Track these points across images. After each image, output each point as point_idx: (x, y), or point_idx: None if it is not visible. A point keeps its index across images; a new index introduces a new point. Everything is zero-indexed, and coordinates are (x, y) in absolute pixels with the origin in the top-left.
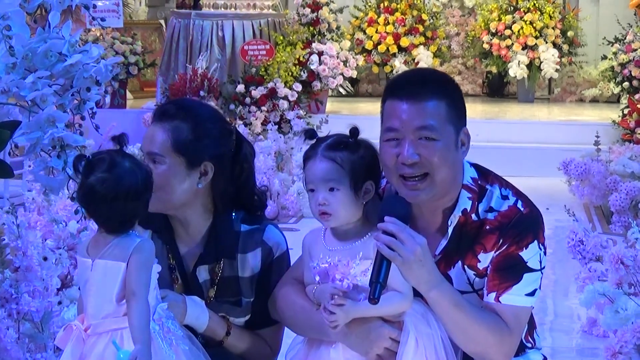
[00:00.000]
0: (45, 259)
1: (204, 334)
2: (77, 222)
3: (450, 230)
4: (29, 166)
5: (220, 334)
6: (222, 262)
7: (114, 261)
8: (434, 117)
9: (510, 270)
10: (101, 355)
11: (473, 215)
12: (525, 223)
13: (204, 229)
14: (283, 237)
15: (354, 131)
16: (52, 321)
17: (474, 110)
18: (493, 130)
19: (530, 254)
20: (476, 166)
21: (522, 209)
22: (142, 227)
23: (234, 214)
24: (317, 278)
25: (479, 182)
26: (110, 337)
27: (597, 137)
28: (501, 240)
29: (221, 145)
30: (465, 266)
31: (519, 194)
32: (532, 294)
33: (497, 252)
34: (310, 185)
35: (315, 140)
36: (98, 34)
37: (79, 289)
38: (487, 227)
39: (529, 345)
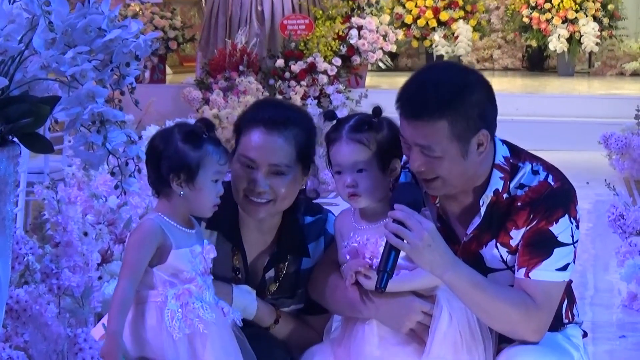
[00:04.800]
0: (85, 234)
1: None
2: (117, 197)
3: (482, 209)
4: (69, 141)
5: (268, 322)
6: (288, 259)
7: None
8: (433, 138)
9: (541, 246)
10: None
11: (504, 194)
12: (555, 197)
13: (275, 228)
14: None
15: (377, 110)
16: (92, 296)
17: (514, 84)
18: (533, 104)
19: (561, 229)
20: (508, 144)
21: (552, 184)
22: (210, 230)
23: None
24: (347, 257)
25: (511, 160)
26: (156, 306)
27: (638, 110)
28: (532, 216)
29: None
30: (498, 244)
31: (550, 169)
32: (563, 268)
33: (528, 228)
34: (337, 167)
35: (335, 121)
36: (137, 9)
37: None
38: (518, 203)
39: (567, 321)
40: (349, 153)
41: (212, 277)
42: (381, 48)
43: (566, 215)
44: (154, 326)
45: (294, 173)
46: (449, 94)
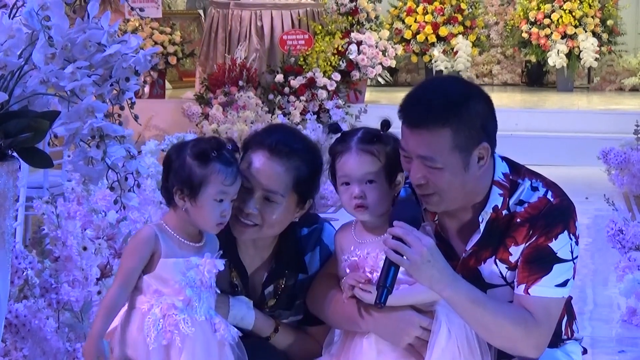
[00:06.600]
0: (84, 248)
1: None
2: (117, 212)
3: (482, 226)
4: (68, 156)
5: (268, 332)
6: (285, 275)
7: None
8: (436, 147)
9: (540, 262)
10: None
11: (504, 211)
12: (554, 213)
13: (272, 244)
14: None
15: (386, 123)
16: (91, 311)
17: (513, 99)
18: (532, 119)
19: (560, 245)
20: (508, 160)
21: (551, 200)
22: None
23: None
24: (348, 271)
25: (511, 177)
26: (141, 313)
27: (637, 125)
28: (531, 232)
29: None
30: (497, 260)
31: (549, 185)
32: (563, 284)
33: (527, 244)
34: (345, 179)
35: (340, 134)
36: (137, 24)
37: None
38: (518, 219)
39: (566, 337)
40: (360, 163)
41: (217, 292)
42: (380, 63)
43: (565, 232)
44: (135, 332)
45: (287, 204)
46: (453, 102)
